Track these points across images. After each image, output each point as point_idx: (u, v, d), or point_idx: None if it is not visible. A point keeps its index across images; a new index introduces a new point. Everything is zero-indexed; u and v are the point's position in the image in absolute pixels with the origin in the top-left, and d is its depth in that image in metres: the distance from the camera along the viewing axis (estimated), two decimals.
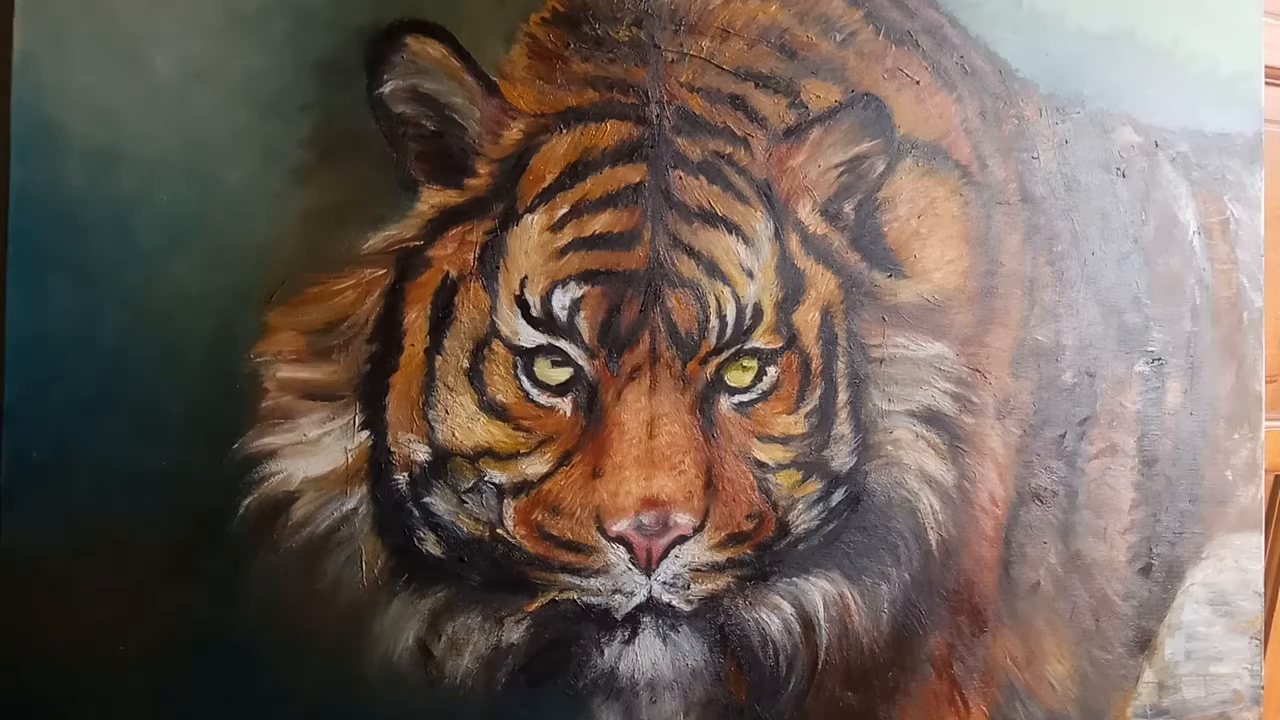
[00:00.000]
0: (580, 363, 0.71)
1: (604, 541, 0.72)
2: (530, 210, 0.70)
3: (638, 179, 0.72)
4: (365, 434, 0.68)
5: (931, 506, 0.81)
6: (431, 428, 0.69)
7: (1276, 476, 1.16)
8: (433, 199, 0.69)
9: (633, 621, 0.74)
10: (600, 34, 0.72)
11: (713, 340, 0.73)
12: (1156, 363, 0.90)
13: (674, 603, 0.74)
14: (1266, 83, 0.97)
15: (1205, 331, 0.93)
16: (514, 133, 0.70)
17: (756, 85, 0.75)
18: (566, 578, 0.72)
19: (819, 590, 0.78)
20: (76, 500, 0.62)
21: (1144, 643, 0.91)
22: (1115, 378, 0.88)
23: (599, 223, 0.71)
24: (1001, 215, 0.83)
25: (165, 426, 0.63)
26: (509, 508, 0.71)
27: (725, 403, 0.74)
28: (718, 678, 0.76)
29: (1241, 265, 0.96)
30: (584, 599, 0.73)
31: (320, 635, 0.67)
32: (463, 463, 0.70)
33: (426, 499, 0.69)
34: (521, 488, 0.71)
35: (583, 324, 0.71)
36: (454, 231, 0.69)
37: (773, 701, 0.77)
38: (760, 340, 0.75)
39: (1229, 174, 0.95)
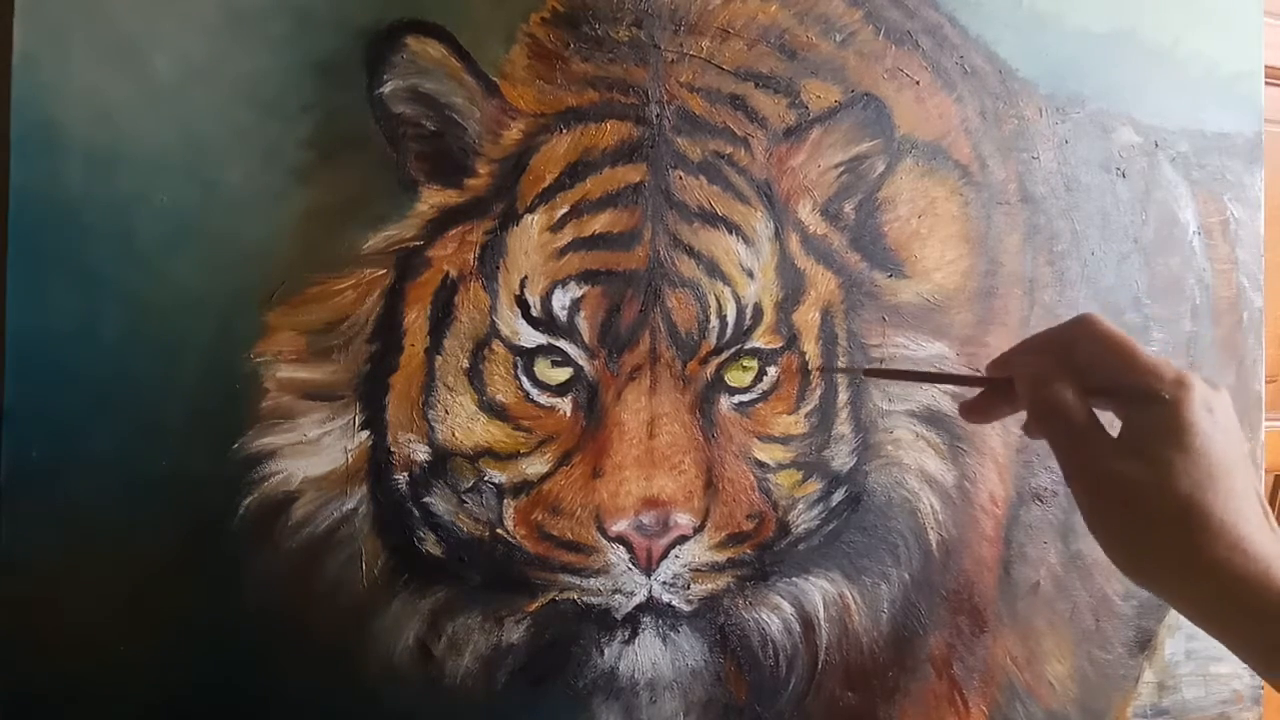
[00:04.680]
0: (580, 363, 0.71)
1: (604, 541, 0.72)
2: (530, 210, 0.70)
3: (638, 179, 0.72)
4: (365, 434, 0.68)
5: (932, 506, 0.81)
6: (431, 428, 0.69)
7: (1276, 476, 1.16)
8: (433, 199, 0.69)
9: (633, 621, 0.74)
10: (600, 34, 0.72)
11: (713, 340, 0.73)
12: None
13: (674, 603, 0.74)
14: (1266, 83, 0.97)
15: (1205, 331, 0.93)
16: (514, 133, 0.70)
17: (756, 85, 0.75)
18: (566, 578, 0.72)
19: (819, 590, 0.78)
20: (76, 500, 0.62)
21: (1144, 643, 0.91)
22: None
23: (599, 223, 0.71)
24: (1001, 215, 0.83)
25: (165, 426, 0.63)
26: (509, 508, 0.71)
27: (725, 403, 0.74)
28: (718, 678, 0.76)
29: (1241, 265, 0.96)
30: (584, 599, 0.72)
31: (320, 635, 0.67)
32: (463, 463, 0.70)
33: (426, 499, 0.69)
34: (521, 488, 0.71)
35: (583, 324, 0.71)
36: (454, 231, 0.69)
37: (773, 701, 0.77)
38: (760, 340, 0.75)
39: (1229, 174, 0.95)
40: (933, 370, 0.80)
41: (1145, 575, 0.55)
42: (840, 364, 0.78)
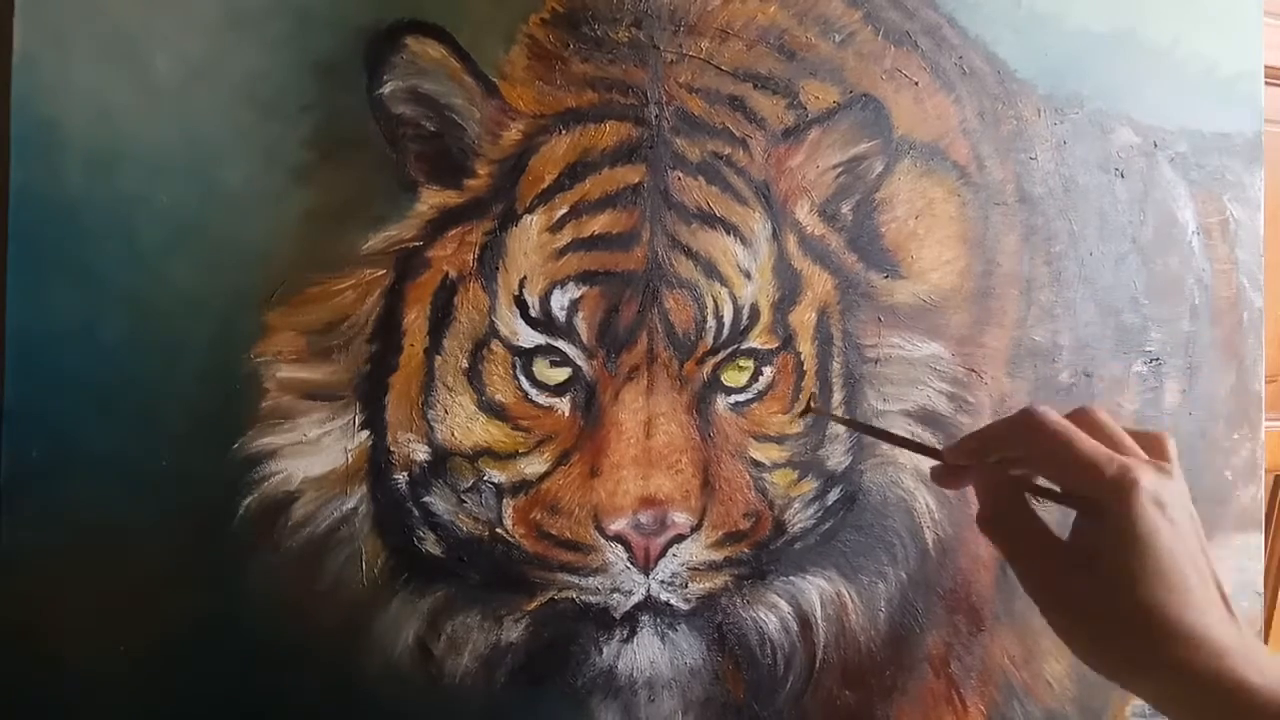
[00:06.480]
0: (579, 363, 0.71)
1: (602, 540, 0.72)
2: (529, 211, 0.70)
3: (636, 180, 0.72)
4: (365, 434, 0.68)
5: (928, 505, 0.81)
6: (431, 427, 0.69)
7: (1276, 476, 1.16)
8: (432, 199, 0.69)
9: (631, 620, 0.74)
10: (600, 35, 0.72)
11: (710, 341, 0.73)
12: (1155, 363, 0.90)
13: (672, 601, 0.74)
14: (1266, 83, 0.97)
15: (1204, 331, 0.93)
16: (513, 133, 0.70)
17: (755, 86, 0.75)
18: (565, 577, 0.72)
19: (816, 589, 0.78)
20: (76, 500, 0.62)
21: None
22: (1113, 378, 0.88)
23: (598, 223, 0.71)
24: (999, 216, 0.83)
25: (165, 426, 0.64)
26: (508, 507, 0.71)
27: (722, 402, 0.74)
28: (716, 676, 0.76)
29: (1241, 265, 0.96)
30: (583, 598, 0.73)
31: (320, 635, 0.67)
32: (462, 462, 0.70)
33: (426, 498, 0.69)
34: (520, 487, 0.71)
35: (581, 324, 0.71)
36: (453, 232, 0.69)
37: (771, 700, 0.77)
38: (757, 341, 0.75)
39: (1229, 174, 0.95)
40: (930, 373, 0.80)
41: (1111, 674, 0.55)
42: (836, 364, 0.78)
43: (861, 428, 0.78)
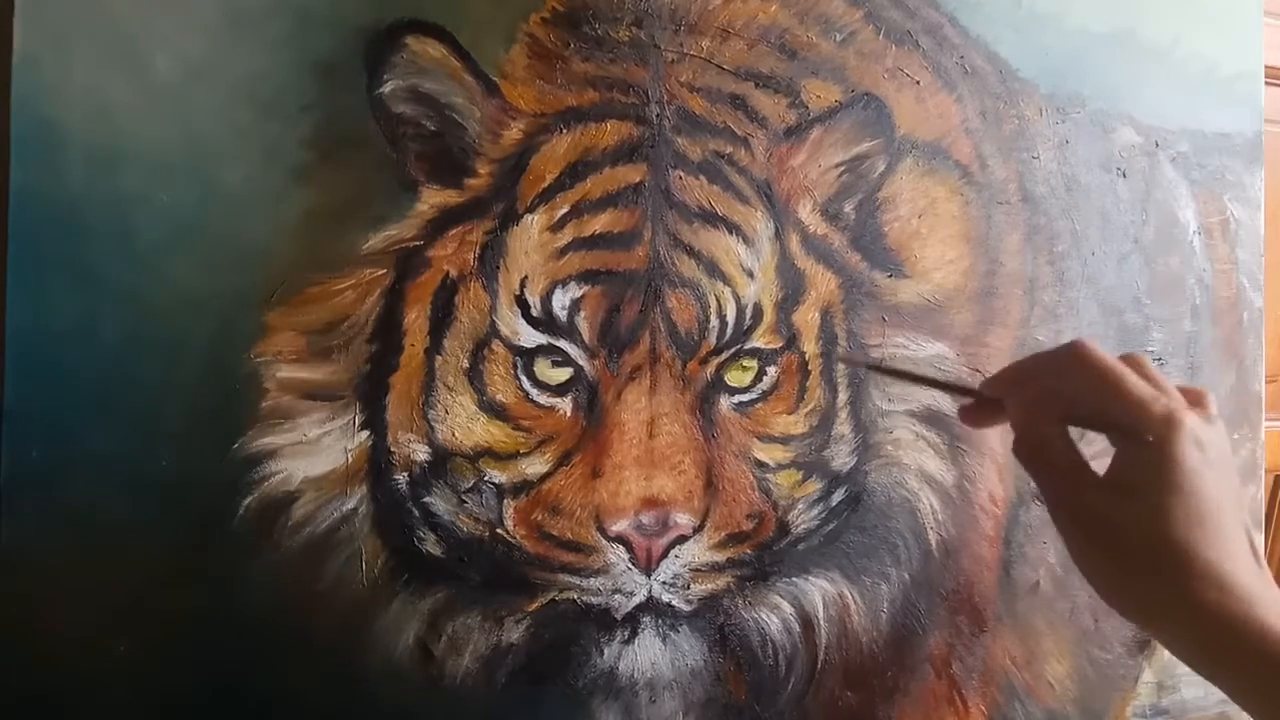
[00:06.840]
0: (580, 363, 0.71)
1: (604, 541, 0.72)
2: (530, 210, 0.70)
3: (638, 179, 0.72)
4: (365, 434, 0.68)
5: (931, 506, 0.81)
6: (431, 428, 0.69)
7: (1276, 476, 1.16)
8: (433, 199, 0.69)
9: (632, 621, 0.74)
10: (600, 34, 0.71)
11: (713, 340, 0.73)
12: (1156, 363, 0.90)
13: (674, 602, 0.74)
14: (1266, 83, 0.97)
15: (1205, 331, 0.93)
16: (514, 133, 0.70)
17: (757, 85, 0.75)
18: (566, 578, 0.72)
19: (819, 590, 0.78)
20: (76, 500, 0.62)
21: (1144, 643, 0.91)
22: None
23: (599, 223, 0.71)
24: (1002, 215, 0.83)
25: (165, 426, 0.63)
26: (509, 508, 0.71)
27: (725, 403, 0.74)
28: (717, 677, 0.76)
29: (1241, 265, 0.96)
30: (584, 599, 0.72)
31: (320, 635, 0.67)
32: (463, 463, 0.70)
33: (426, 499, 0.69)
34: (521, 488, 0.71)
35: (583, 324, 0.71)
36: (454, 231, 0.69)
37: (772, 701, 0.77)
38: (760, 340, 0.75)
39: (1229, 174, 0.95)
40: (934, 371, 0.80)
41: (1131, 613, 0.55)
42: (839, 368, 0.77)
43: (890, 373, 0.77)
